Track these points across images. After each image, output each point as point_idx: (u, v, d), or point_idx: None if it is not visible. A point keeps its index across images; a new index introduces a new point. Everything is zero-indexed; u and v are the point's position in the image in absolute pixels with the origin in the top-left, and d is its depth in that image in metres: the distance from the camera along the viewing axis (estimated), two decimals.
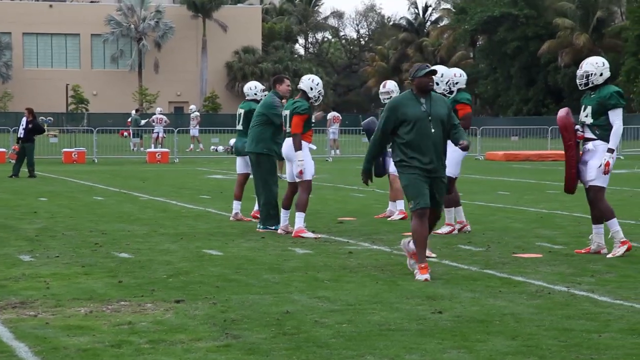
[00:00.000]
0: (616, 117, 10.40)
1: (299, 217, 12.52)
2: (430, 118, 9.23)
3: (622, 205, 16.34)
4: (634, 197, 18.09)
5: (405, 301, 7.97)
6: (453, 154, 11.45)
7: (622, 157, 36.10)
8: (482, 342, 6.49)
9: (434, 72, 9.38)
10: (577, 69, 10.77)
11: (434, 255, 10.55)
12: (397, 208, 14.66)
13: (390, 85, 14.66)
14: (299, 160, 12.45)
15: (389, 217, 14.79)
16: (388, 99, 14.50)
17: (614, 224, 10.52)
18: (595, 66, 10.46)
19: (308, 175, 12.59)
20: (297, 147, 12.50)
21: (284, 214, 12.94)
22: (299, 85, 12.86)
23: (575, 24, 77.58)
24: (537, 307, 7.69)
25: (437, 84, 10.89)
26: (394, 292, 8.43)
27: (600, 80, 10.43)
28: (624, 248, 10.46)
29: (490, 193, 19.77)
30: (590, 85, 10.49)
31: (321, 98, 12.85)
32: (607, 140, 10.40)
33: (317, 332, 6.82)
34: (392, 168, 14.55)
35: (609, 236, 10.67)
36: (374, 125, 14.62)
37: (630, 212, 14.63)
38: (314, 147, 13.12)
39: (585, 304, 7.82)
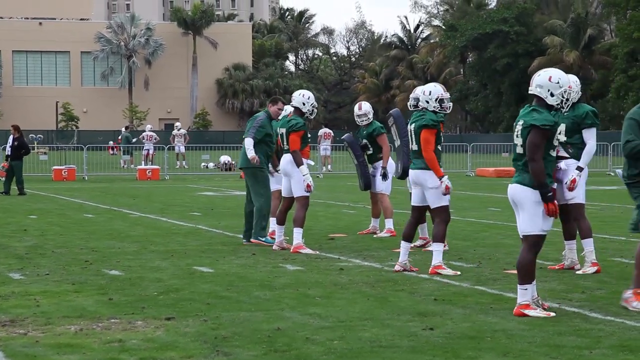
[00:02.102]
0: (590, 136, 10.45)
1: (297, 233, 12.52)
2: None
3: (612, 222, 16.37)
4: (625, 213, 18.10)
5: (397, 318, 7.96)
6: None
7: (612, 174, 36.17)
8: (473, 359, 6.49)
9: None
10: None
11: (415, 269, 10.63)
12: (387, 226, 14.63)
13: (367, 107, 14.65)
14: (304, 175, 12.49)
15: (374, 233, 14.77)
16: (365, 121, 14.52)
17: (589, 243, 10.54)
18: (575, 84, 10.48)
19: (305, 191, 12.58)
20: (298, 163, 12.54)
21: (278, 230, 12.93)
22: (291, 103, 12.89)
23: (564, 41, 77.89)
24: (529, 324, 7.69)
25: (427, 102, 10.80)
26: (385, 308, 8.42)
27: (576, 98, 10.44)
28: (594, 269, 10.48)
29: (481, 209, 19.78)
30: (570, 103, 10.43)
31: (315, 111, 12.86)
32: (579, 159, 10.43)
33: (308, 349, 6.80)
34: (379, 187, 14.57)
35: (582, 254, 10.69)
36: (354, 140, 14.66)
37: (620, 228, 14.65)
38: (312, 163, 13.15)
39: (576, 321, 7.81)
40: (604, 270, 10.59)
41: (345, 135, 14.97)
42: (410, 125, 10.94)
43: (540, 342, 7.01)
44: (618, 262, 11.49)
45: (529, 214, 8.06)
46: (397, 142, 12.82)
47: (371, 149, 14.54)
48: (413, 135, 10.85)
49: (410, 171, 10.89)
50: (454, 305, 8.56)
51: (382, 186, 14.54)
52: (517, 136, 8.21)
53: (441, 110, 10.85)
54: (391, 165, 14.48)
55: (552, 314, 7.82)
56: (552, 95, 8.10)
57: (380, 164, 14.41)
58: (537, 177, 7.95)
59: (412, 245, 11.12)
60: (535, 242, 8.07)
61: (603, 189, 26.81)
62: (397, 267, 10.72)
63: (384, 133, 14.50)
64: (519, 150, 8.17)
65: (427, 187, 10.61)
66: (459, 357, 6.53)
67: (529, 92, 8.30)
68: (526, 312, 7.96)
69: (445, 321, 7.80)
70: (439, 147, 10.78)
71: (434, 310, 8.28)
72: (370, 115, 14.55)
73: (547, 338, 7.13)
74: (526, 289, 8.03)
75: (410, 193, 13.22)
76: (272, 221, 13.71)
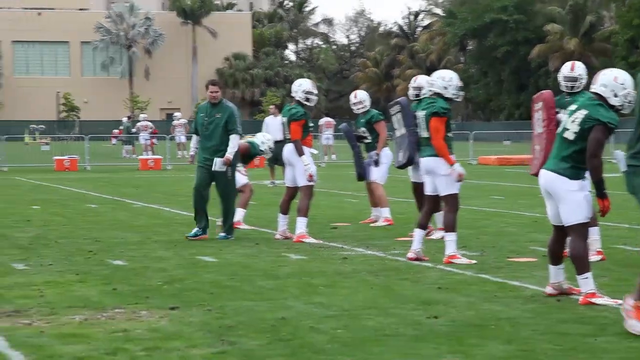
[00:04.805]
0: None
1: (301, 223, 12.52)
2: None
3: (615, 209, 16.34)
4: (628, 201, 18.08)
5: (400, 306, 7.97)
6: None
7: (614, 161, 36.12)
8: (477, 347, 6.49)
9: None
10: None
11: (426, 258, 10.62)
12: (383, 215, 14.63)
13: (362, 94, 14.67)
14: (305, 165, 12.48)
15: (374, 222, 14.78)
16: (361, 109, 14.54)
17: (595, 232, 10.51)
18: (584, 71, 10.44)
19: (308, 181, 12.59)
20: (300, 152, 12.54)
21: (282, 219, 12.95)
22: (291, 94, 12.93)
23: (564, 28, 77.74)
24: (533, 311, 7.70)
25: (446, 87, 10.58)
26: (388, 297, 8.43)
27: (581, 87, 10.39)
28: (598, 257, 10.45)
29: (484, 197, 19.78)
30: (576, 90, 10.41)
31: (312, 97, 12.80)
32: None
33: (312, 338, 6.81)
34: (373, 176, 14.59)
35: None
36: (351, 129, 14.67)
37: (624, 215, 14.65)
38: (315, 152, 13.15)
39: (580, 308, 7.82)
40: (608, 258, 10.59)
41: (342, 124, 14.97)
42: (421, 112, 10.78)
43: (545, 329, 7.01)
44: (621, 249, 11.51)
45: (571, 204, 7.98)
46: (400, 131, 12.73)
47: (369, 137, 14.54)
48: (423, 122, 10.72)
49: (422, 159, 10.83)
50: (458, 293, 8.57)
51: (376, 175, 14.54)
52: (572, 122, 8.00)
53: (457, 98, 10.76)
54: (388, 155, 14.46)
55: (619, 301, 7.64)
56: (615, 96, 7.94)
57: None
58: (597, 173, 7.84)
59: (426, 235, 11.05)
60: (583, 230, 8.00)
61: (605, 176, 26.72)
62: (410, 255, 10.70)
63: (382, 120, 14.52)
64: (570, 136, 8.00)
65: (438, 174, 10.56)
66: (463, 345, 6.53)
67: (591, 89, 8.08)
68: (593, 300, 7.89)
69: (449, 309, 7.80)
70: (450, 134, 10.70)
71: (438, 299, 8.29)
72: (367, 103, 14.58)
73: (552, 326, 7.14)
74: (587, 278, 7.94)
75: (412, 182, 13.27)
76: (238, 211, 13.94)
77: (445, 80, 10.67)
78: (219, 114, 12.93)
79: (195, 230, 12.99)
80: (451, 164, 10.56)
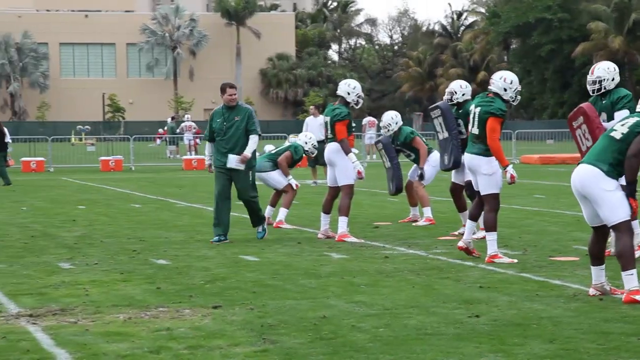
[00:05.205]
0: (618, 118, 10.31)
1: (342, 222, 12.57)
2: None
3: None
4: None
5: (442, 305, 7.97)
6: None
7: None
8: (519, 346, 6.48)
9: None
10: None
11: (475, 251, 10.73)
12: (425, 215, 14.61)
13: (386, 117, 14.52)
14: (353, 163, 12.56)
15: (414, 221, 14.77)
16: (390, 131, 14.47)
17: (636, 226, 10.41)
18: (607, 71, 10.37)
19: (350, 179, 12.62)
20: (347, 151, 12.59)
21: (324, 218, 12.99)
22: (337, 92, 12.92)
23: (609, 26, 76.99)
24: (575, 311, 7.66)
25: (506, 89, 10.58)
26: (430, 296, 8.43)
27: (612, 85, 10.33)
28: (638, 253, 10.35)
29: (526, 196, 19.68)
30: (603, 90, 10.37)
31: (361, 101, 12.86)
32: None
33: (354, 336, 6.83)
34: (410, 175, 14.67)
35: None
36: (390, 142, 14.56)
37: None
38: (357, 152, 13.17)
39: (623, 307, 7.77)
40: None
41: (382, 137, 14.88)
42: (475, 108, 10.67)
43: (588, 329, 6.98)
44: None
45: (610, 203, 7.91)
46: (443, 135, 12.72)
47: (412, 154, 14.60)
48: (476, 119, 10.61)
49: (466, 155, 10.81)
50: (500, 292, 8.55)
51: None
52: (622, 125, 7.99)
53: (514, 102, 10.68)
54: (436, 159, 14.41)
55: None
56: None
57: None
58: (634, 174, 7.79)
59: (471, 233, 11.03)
60: (628, 227, 7.93)
61: None
62: (460, 244, 10.72)
63: (416, 136, 14.55)
64: (618, 136, 7.97)
65: (480, 172, 10.53)
66: (504, 345, 6.53)
67: None
68: (637, 297, 7.84)
69: (491, 308, 7.80)
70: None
71: (480, 298, 8.28)
72: (394, 126, 14.44)
73: (595, 325, 7.10)
74: (632, 274, 7.89)
75: (452, 182, 13.25)
76: (281, 211, 14.35)
77: (506, 82, 10.61)
78: (237, 116, 12.62)
79: (216, 238, 12.63)
80: (505, 165, 10.54)
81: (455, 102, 12.66)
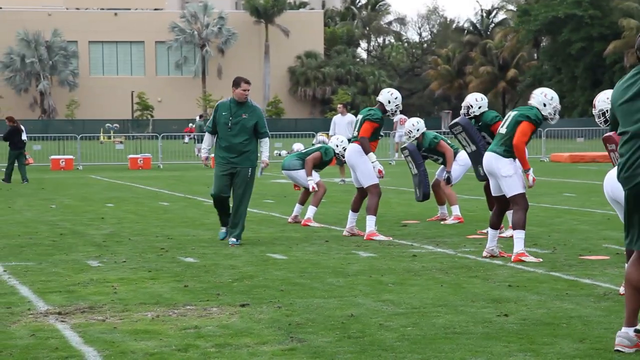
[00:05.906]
0: None
1: (371, 221, 12.57)
2: None
3: None
4: None
5: (471, 304, 7.93)
6: None
7: None
8: (549, 345, 6.43)
9: None
10: None
11: (502, 254, 10.69)
12: (453, 213, 14.56)
13: (408, 124, 14.51)
14: (372, 162, 12.59)
15: (442, 219, 14.72)
16: (412, 137, 14.43)
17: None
18: (608, 102, 10.22)
19: (374, 179, 12.62)
20: (366, 150, 12.62)
21: (351, 216, 13.00)
22: (378, 97, 12.97)
23: None
24: (605, 310, 7.60)
25: (545, 105, 10.66)
26: (458, 294, 8.39)
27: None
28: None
29: (556, 195, 19.57)
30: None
31: (398, 113, 12.87)
32: None
33: (382, 335, 6.81)
34: (438, 174, 14.63)
35: None
36: (416, 149, 14.49)
37: None
38: (374, 157, 13.10)
39: None
40: None
41: (408, 144, 14.83)
42: (513, 111, 10.78)
43: (618, 328, 6.91)
44: None
45: None
46: (470, 148, 12.65)
47: (440, 158, 14.57)
48: (509, 120, 10.68)
49: (486, 154, 10.80)
50: (529, 291, 8.50)
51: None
52: None
53: (551, 119, 10.75)
54: (465, 160, 14.32)
55: None
56: None
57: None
58: None
59: (498, 234, 10.97)
60: None
61: None
62: (484, 253, 10.72)
63: (440, 140, 14.49)
64: None
65: (500, 176, 10.53)
66: (534, 344, 6.48)
67: None
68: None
69: (520, 307, 7.75)
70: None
71: (509, 297, 8.23)
72: (415, 132, 14.43)
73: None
74: None
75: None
76: (310, 209, 14.38)
77: (546, 98, 10.73)
78: (245, 114, 12.18)
79: (224, 230, 12.54)
80: (527, 168, 10.54)
81: (472, 115, 12.64)
